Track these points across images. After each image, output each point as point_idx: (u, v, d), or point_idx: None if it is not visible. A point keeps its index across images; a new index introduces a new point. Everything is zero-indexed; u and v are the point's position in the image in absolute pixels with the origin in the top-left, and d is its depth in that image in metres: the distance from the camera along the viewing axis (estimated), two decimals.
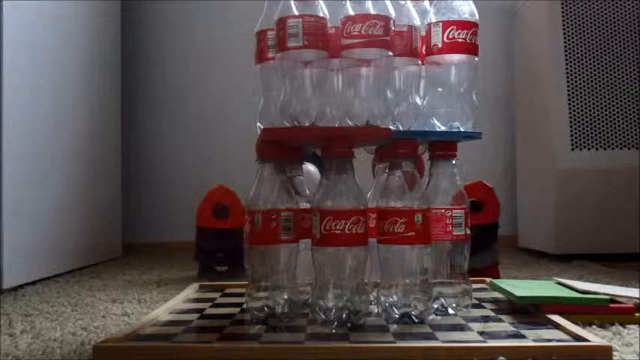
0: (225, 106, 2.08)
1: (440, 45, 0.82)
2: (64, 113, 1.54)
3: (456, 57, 0.83)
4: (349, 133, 0.79)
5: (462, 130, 0.84)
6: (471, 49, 0.83)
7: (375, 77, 0.78)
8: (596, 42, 1.62)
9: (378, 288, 0.81)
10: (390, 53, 0.78)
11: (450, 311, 0.82)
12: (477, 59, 0.84)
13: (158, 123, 2.12)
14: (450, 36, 0.82)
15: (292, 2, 0.78)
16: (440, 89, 0.85)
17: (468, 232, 0.84)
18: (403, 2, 0.84)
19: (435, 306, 0.82)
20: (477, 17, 0.83)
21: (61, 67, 1.53)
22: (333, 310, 0.76)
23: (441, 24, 0.82)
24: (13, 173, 1.26)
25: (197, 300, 0.97)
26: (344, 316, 0.76)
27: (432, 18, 0.84)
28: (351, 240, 0.75)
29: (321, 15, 0.78)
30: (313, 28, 0.77)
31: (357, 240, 0.75)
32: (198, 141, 2.10)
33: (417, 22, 0.84)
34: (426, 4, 0.88)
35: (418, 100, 0.86)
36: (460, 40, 0.82)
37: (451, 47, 0.82)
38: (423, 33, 0.85)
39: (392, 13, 0.78)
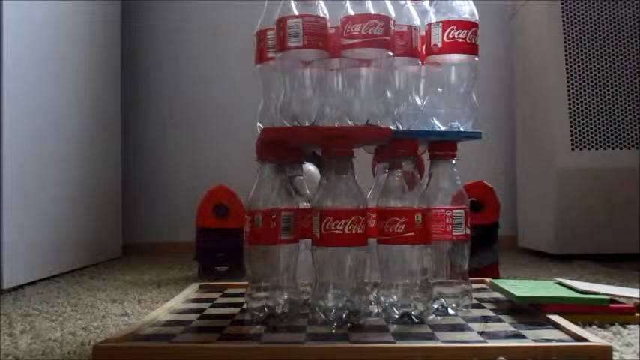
0: (225, 106, 2.08)
1: (440, 45, 0.82)
2: (63, 113, 1.54)
3: (456, 57, 0.83)
4: (349, 133, 0.79)
5: (461, 130, 0.84)
6: (471, 49, 0.83)
7: (375, 77, 0.78)
8: (596, 42, 1.62)
9: (378, 288, 0.81)
10: (390, 53, 0.78)
11: (450, 311, 0.82)
12: (477, 59, 0.84)
13: (158, 123, 2.12)
14: (450, 36, 0.82)
15: (292, 2, 0.78)
16: (440, 89, 0.85)
17: (468, 232, 0.84)
18: (403, 2, 0.84)
19: (435, 306, 0.82)
20: (477, 17, 0.83)
21: (61, 67, 1.53)
22: (333, 310, 0.76)
23: (441, 24, 0.82)
24: (13, 173, 1.26)
25: (197, 300, 0.97)
26: (344, 316, 0.76)
27: (432, 18, 0.84)
28: (351, 240, 0.75)
29: (321, 15, 0.78)
30: (313, 28, 0.77)
31: (357, 240, 0.75)
32: (198, 141, 2.10)
33: (417, 22, 0.84)
34: (426, 4, 0.88)
35: (418, 100, 0.86)
36: (460, 40, 0.82)
37: (451, 47, 0.82)
38: (423, 33, 0.85)
39: (392, 13, 0.78)
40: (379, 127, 0.78)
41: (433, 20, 0.83)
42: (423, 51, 0.85)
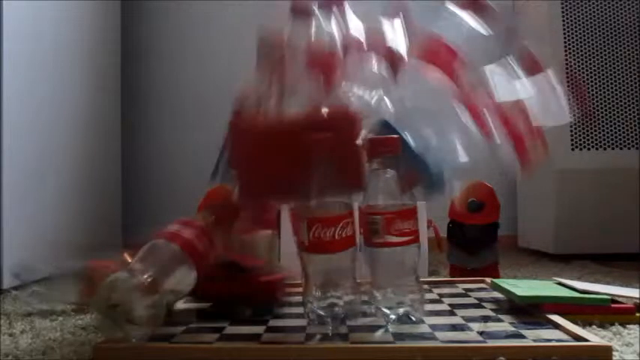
0: (225, 105, 2.07)
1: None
2: (63, 113, 1.54)
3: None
4: None
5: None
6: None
7: None
8: (596, 42, 1.62)
9: (370, 287, 0.80)
10: None
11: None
12: None
13: (158, 123, 2.12)
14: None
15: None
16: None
17: None
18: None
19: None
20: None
21: (61, 67, 1.53)
22: (331, 311, 0.75)
23: None
24: (13, 173, 1.26)
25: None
26: (341, 316, 0.75)
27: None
28: (340, 245, 0.74)
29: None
30: None
31: (347, 243, 0.74)
32: (198, 141, 2.09)
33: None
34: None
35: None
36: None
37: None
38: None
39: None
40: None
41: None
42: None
